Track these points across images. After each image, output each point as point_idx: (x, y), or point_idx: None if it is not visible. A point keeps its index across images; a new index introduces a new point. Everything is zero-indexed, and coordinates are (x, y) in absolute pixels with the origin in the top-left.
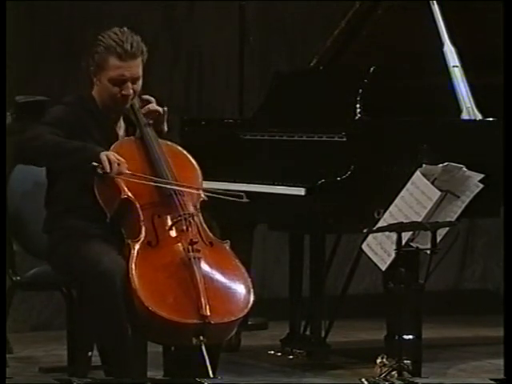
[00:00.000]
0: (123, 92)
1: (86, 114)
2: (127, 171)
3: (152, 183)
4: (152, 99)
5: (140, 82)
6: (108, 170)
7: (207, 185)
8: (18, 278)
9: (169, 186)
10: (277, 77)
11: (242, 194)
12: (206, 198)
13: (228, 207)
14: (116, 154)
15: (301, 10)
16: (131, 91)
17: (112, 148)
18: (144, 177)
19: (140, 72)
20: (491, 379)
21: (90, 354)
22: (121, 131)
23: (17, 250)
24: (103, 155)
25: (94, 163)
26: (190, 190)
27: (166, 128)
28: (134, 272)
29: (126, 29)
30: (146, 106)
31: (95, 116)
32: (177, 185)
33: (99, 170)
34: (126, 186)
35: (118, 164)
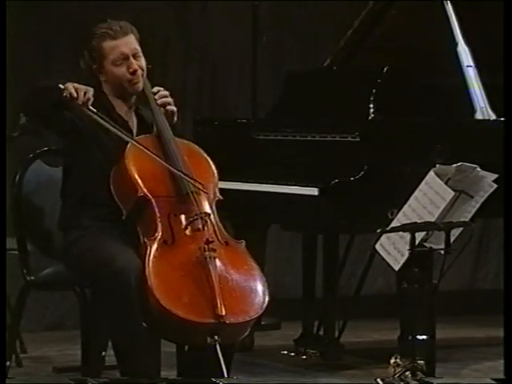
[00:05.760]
0: (130, 69)
1: (104, 112)
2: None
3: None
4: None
5: (143, 60)
6: (75, 96)
7: (220, 185)
8: (32, 277)
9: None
10: (290, 77)
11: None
12: (221, 198)
13: (241, 207)
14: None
15: (314, 9)
16: (136, 66)
17: (129, 145)
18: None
19: (138, 48)
20: (492, 379)
21: (103, 353)
22: (134, 129)
23: (31, 250)
24: (67, 84)
25: (62, 92)
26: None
27: (175, 118)
28: (149, 270)
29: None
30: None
31: (110, 113)
32: (192, 180)
33: (66, 94)
34: (143, 184)
35: (85, 92)
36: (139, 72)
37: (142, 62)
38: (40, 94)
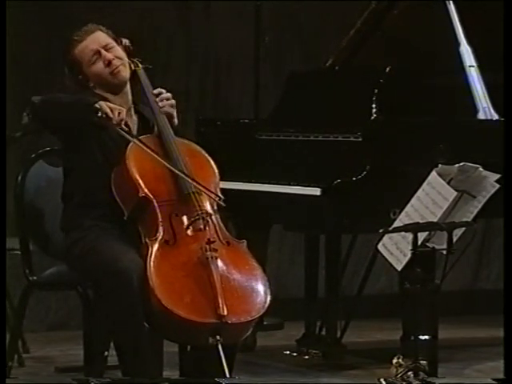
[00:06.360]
0: (105, 62)
1: None
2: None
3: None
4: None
5: (118, 50)
6: (111, 116)
7: (222, 185)
8: (35, 277)
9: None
10: (292, 77)
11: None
12: (223, 197)
13: (243, 207)
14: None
15: (316, 10)
16: (111, 56)
17: (130, 145)
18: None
19: (107, 40)
20: (493, 379)
21: (106, 353)
22: (135, 128)
23: (33, 250)
24: (102, 103)
25: (97, 112)
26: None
27: (176, 121)
28: (151, 270)
29: None
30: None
31: None
32: (194, 181)
33: (101, 114)
34: (144, 184)
35: (119, 113)
36: (115, 61)
37: (118, 52)
38: (71, 110)
